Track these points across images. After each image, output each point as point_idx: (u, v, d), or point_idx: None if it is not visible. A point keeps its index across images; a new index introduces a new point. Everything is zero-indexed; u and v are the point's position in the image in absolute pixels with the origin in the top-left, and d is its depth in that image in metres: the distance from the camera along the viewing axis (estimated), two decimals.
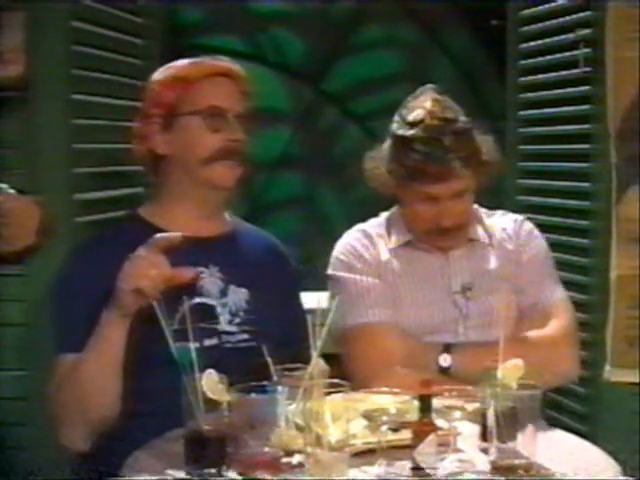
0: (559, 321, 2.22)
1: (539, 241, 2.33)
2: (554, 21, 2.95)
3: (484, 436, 1.69)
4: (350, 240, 2.29)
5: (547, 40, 2.99)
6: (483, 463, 1.63)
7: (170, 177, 2.10)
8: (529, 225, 2.35)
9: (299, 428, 1.62)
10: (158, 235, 1.89)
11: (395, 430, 1.66)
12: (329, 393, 1.64)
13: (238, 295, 2.07)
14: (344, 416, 1.65)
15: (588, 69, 2.75)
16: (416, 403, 1.62)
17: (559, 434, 1.87)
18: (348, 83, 5.16)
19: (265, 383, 1.65)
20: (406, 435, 1.62)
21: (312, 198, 5.20)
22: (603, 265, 2.69)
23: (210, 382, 1.58)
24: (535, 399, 1.61)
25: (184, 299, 1.84)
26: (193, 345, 1.66)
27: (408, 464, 1.58)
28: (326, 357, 1.74)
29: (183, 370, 1.61)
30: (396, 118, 2.20)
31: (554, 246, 2.81)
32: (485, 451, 1.66)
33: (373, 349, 2.16)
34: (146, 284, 1.81)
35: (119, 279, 1.85)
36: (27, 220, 2.40)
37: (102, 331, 1.88)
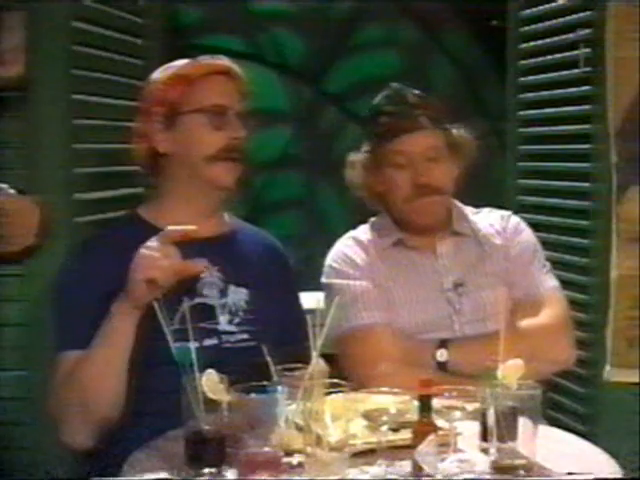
0: (551, 310, 2.25)
1: (526, 234, 2.37)
2: (554, 21, 2.95)
3: (484, 436, 1.69)
4: (342, 248, 2.34)
5: (547, 40, 2.99)
6: (483, 463, 1.63)
7: (170, 176, 2.10)
8: (516, 219, 2.40)
9: (299, 428, 1.62)
10: (171, 227, 1.90)
11: (395, 430, 1.66)
12: (329, 393, 1.64)
13: (238, 295, 2.07)
14: (344, 416, 1.65)
15: (588, 69, 2.75)
16: (416, 403, 1.63)
17: (559, 434, 1.87)
18: (348, 83, 5.16)
19: (265, 383, 1.65)
20: (406, 435, 1.62)
21: (312, 198, 5.20)
22: (603, 265, 2.69)
23: (210, 382, 1.59)
24: (535, 399, 1.61)
25: (184, 299, 1.84)
26: (193, 345, 1.66)
27: (408, 464, 1.58)
28: (326, 357, 1.74)
29: (183, 370, 1.61)
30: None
31: (554, 246, 2.82)
32: (485, 451, 1.66)
33: (368, 350, 2.18)
34: (159, 275, 1.83)
35: (131, 269, 1.85)
36: (27, 220, 2.40)
37: (111, 323, 1.88)
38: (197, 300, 2.00)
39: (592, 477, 1.59)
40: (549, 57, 2.98)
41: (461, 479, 1.58)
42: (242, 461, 1.57)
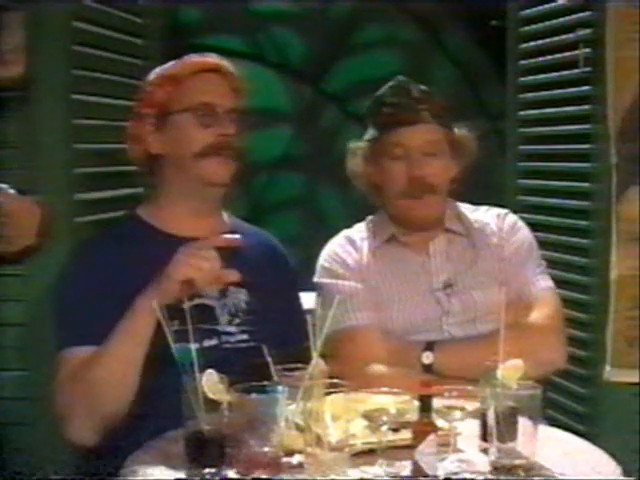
0: (543, 310, 2.24)
1: (522, 233, 2.35)
2: (554, 21, 2.95)
3: (484, 436, 1.69)
4: (333, 247, 2.34)
5: (547, 40, 2.99)
6: (483, 463, 1.63)
7: (165, 176, 2.10)
8: (512, 218, 2.38)
9: (299, 428, 1.62)
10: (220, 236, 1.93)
11: (395, 430, 1.66)
12: (329, 393, 1.64)
13: (237, 295, 2.07)
14: (344, 416, 1.65)
15: (588, 69, 2.75)
16: (416, 403, 1.62)
17: (559, 434, 1.87)
18: (348, 83, 5.17)
19: (265, 383, 1.65)
20: (406, 435, 1.62)
21: (312, 198, 5.21)
22: (603, 265, 2.69)
23: (210, 382, 1.59)
24: (535, 399, 1.61)
25: (184, 300, 1.84)
26: (193, 346, 1.66)
27: (408, 464, 1.58)
28: (326, 357, 1.74)
29: (183, 370, 1.61)
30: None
31: (554, 246, 2.82)
32: (485, 451, 1.66)
33: (356, 352, 2.18)
34: (199, 276, 1.83)
35: (169, 267, 1.85)
36: (27, 220, 2.40)
37: (135, 319, 1.86)
38: (197, 301, 1.99)
39: (592, 477, 1.59)
40: (549, 57, 2.98)
41: (461, 479, 1.58)
42: (242, 461, 1.57)
